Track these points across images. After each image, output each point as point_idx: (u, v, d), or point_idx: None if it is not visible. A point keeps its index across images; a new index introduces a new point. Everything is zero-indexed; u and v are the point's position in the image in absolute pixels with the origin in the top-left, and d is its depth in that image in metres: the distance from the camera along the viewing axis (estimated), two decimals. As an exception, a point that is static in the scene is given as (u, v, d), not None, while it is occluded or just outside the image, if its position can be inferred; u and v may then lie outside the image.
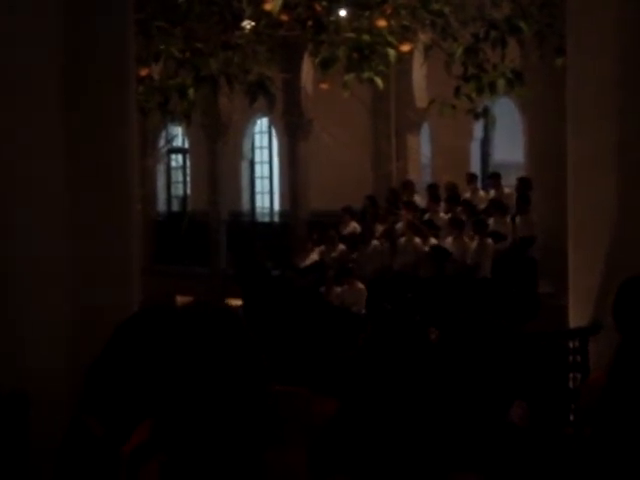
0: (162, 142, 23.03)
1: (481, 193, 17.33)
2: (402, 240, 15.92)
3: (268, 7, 10.92)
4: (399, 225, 16.36)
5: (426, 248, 15.49)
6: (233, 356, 2.49)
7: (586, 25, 7.62)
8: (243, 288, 17.12)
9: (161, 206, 26.14)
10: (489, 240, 15.13)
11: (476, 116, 12.43)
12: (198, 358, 2.49)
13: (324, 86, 12.97)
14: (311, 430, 2.85)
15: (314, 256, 16.85)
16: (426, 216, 16.61)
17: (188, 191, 26.19)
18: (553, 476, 3.80)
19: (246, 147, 24.93)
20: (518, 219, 15.61)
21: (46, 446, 3.71)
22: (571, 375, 7.84)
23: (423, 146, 20.84)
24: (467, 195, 17.02)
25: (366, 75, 11.23)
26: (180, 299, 14.86)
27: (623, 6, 7.29)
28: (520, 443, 3.65)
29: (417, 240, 15.69)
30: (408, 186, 17.86)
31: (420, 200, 17.48)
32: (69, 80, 6.02)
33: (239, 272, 18.06)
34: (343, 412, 3.06)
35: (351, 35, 11.25)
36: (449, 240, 15.53)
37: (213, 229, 23.15)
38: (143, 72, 11.20)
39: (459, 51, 11.64)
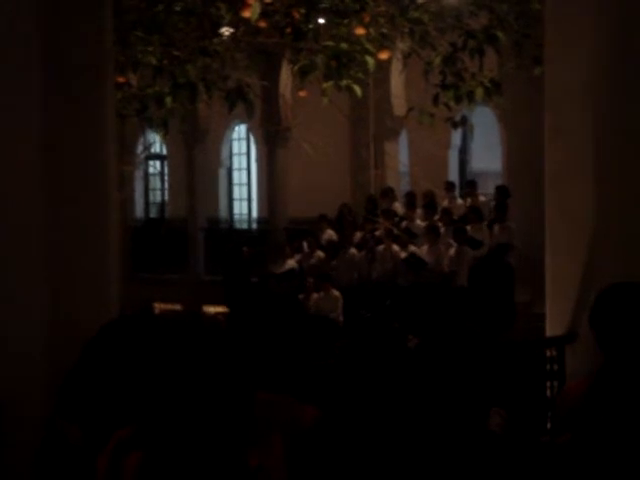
0: (140, 149, 22.97)
1: (459, 201, 17.40)
2: (380, 248, 15.96)
3: (246, 14, 10.89)
4: (378, 233, 16.40)
5: (403, 256, 15.53)
6: (210, 360, 2.51)
7: (563, 35, 7.66)
8: (228, 296, 17.12)
9: (139, 213, 26.07)
10: (467, 248, 15.18)
11: (454, 125, 12.46)
12: (177, 362, 2.50)
13: (302, 94, 12.98)
14: (292, 437, 2.85)
15: (291, 262, 16.87)
16: (403, 224, 16.65)
17: (166, 198, 26.14)
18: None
19: (224, 154, 24.91)
20: (496, 227, 15.67)
21: (21, 453, 3.69)
22: (548, 383, 7.86)
23: (401, 154, 20.89)
24: (445, 203, 17.09)
25: (344, 83, 11.22)
26: (158, 306, 14.83)
27: (600, 16, 7.32)
28: (498, 451, 3.66)
29: (395, 248, 15.74)
30: (388, 193, 17.90)
31: (400, 208, 17.54)
32: (48, 87, 6.01)
33: (226, 280, 18.03)
34: (324, 419, 3.07)
35: (330, 43, 11.24)
36: (425, 248, 15.58)
37: (191, 236, 23.11)
38: (121, 79, 11.16)
39: (437, 60, 11.67)
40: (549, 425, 7.08)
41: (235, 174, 25.23)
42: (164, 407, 2.52)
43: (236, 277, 17.55)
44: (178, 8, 11.29)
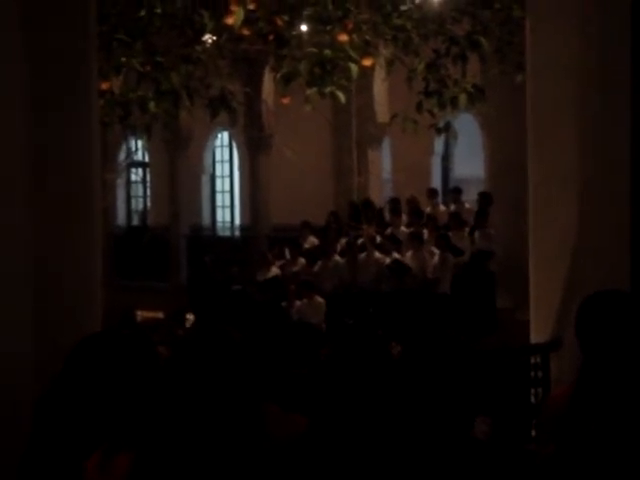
0: (122, 156, 22.90)
1: (442, 208, 17.41)
2: (363, 255, 15.95)
3: (229, 21, 10.91)
4: (361, 240, 16.39)
5: (387, 262, 15.53)
6: (204, 368, 2.51)
7: (545, 42, 7.67)
8: (194, 302, 17.17)
9: (121, 220, 26.00)
10: (450, 255, 15.19)
11: (438, 131, 12.47)
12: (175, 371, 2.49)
13: (285, 100, 12.97)
14: (279, 446, 2.85)
15: (275, 270, 16.84)
16: (388, 230, 16.64)
17: (148, 205, 26.08)
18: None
19: (207, 161, 24.87)
20: (477, 233, 15.68)
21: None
22: (533, 391, 7.86)
23: (384, 161, 20.89)
24: (428, 210, 17.09)
25: (328, 90, 11.23)
26: (140, 314, 14.78)
27: (580, 23, 7.34)
28: (483, 458, 3.64)
29: (378, 255, 15.73)
30: (369, 205, 17.91)
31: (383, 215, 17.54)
32: (32, 95, 5.97)
33: (191, 286, 18.18)
34: (313, 429, 3.06)
35: (313, 50, 11.26)
36: (409, 254, 15.58)
37: (173, 243, 23.06)
38: (104, 86, 11.13)
39: (420, 66, 11.69)
40: (534, 433, 7.08)
41: (218, 181, 25.20)
42: (155, 415, 2.51)
43: (198, 286, 17.81)
44: (159, 10, 11.25)
